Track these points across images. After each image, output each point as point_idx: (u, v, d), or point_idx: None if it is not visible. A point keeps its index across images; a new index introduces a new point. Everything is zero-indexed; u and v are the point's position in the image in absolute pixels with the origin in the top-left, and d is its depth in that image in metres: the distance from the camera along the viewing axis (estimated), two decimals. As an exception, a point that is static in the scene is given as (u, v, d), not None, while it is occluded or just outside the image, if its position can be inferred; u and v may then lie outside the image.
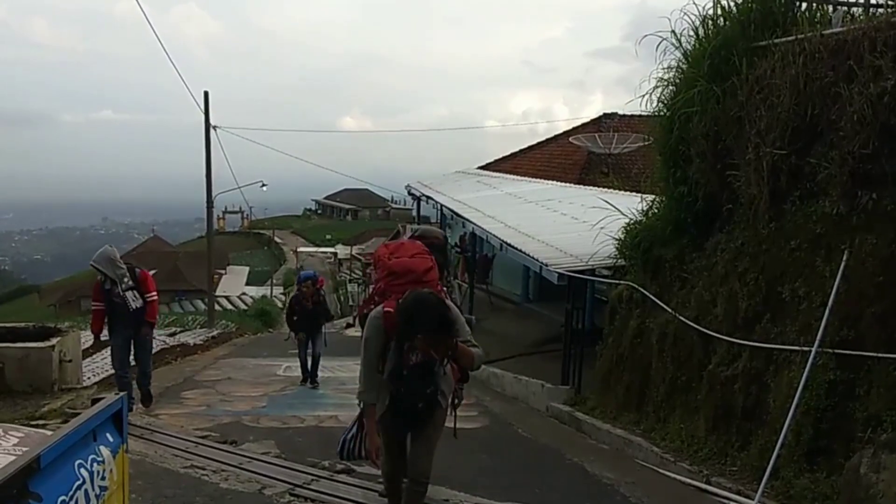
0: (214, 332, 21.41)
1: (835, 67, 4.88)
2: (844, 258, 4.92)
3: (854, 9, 5.64)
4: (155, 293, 8.11)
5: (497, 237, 11.43)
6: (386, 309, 3.68)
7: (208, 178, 22.89)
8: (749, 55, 5.75)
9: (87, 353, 11.97)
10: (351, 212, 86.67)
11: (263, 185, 29.55)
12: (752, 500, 4.83)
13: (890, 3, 5.05)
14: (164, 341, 16.54)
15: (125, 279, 7.67)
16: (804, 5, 5.88)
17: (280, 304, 35.90)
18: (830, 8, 5.81)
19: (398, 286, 3.86)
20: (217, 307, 27.66)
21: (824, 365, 4.94)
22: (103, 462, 3.06)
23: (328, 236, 66.90)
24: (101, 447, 3.11)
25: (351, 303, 46.34)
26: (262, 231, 72.16)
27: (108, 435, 3.24)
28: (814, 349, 4.95)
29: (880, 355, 4.57)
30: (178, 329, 21.26)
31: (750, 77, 5.70)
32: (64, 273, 64.01)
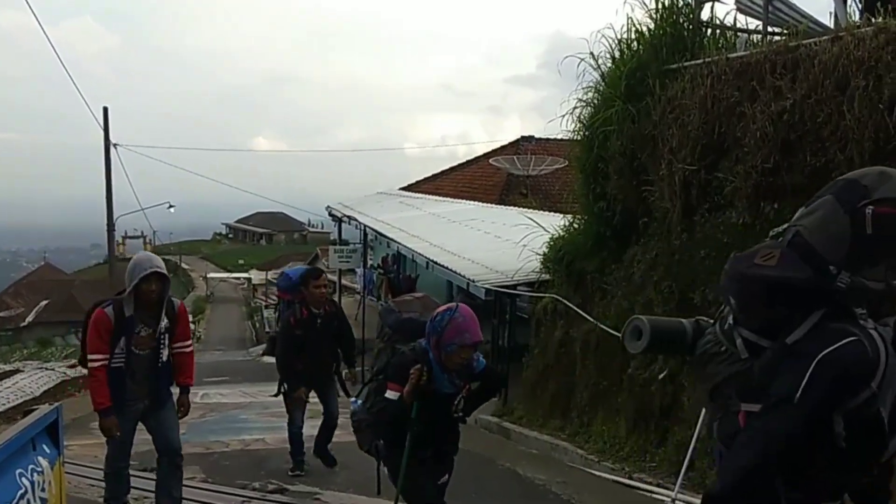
0: (121, 363, 20.35)
1: (739, 88, 5.36)
2: (749, 264, 5.35)
3: (754, 36, 6.21)
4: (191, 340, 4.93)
5: (423, 256, 11.57)
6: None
7: (108, 200, 21.86)
8: (661, 77, 6.20)
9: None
10: (265, 236, 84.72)
11: (170, 206, 28.59)
12: (671, 491, 5.12)
13: (785, 30, 5.61)
14: (64, 373, 15.61)
15: (162, 315, 4.41)
16: (710, 31, 6.42)
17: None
18: (735, 34, 6.37)
19: None
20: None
21: (734, 362, 5.32)
22: (42, 473, 3.00)
23: (241, 261, 65.08)
24: (40, 458, 3.05)
25: (267, 329, 44.98)
26: (167, 257, 69.14)
27: (44, 446, 3.18)
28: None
29: (784, 351, 4.99)
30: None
31: (662, 98, 6.15)
32: (-60, 310, 58.01)
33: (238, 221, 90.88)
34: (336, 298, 21.06)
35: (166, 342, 4.50)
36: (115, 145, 21.75)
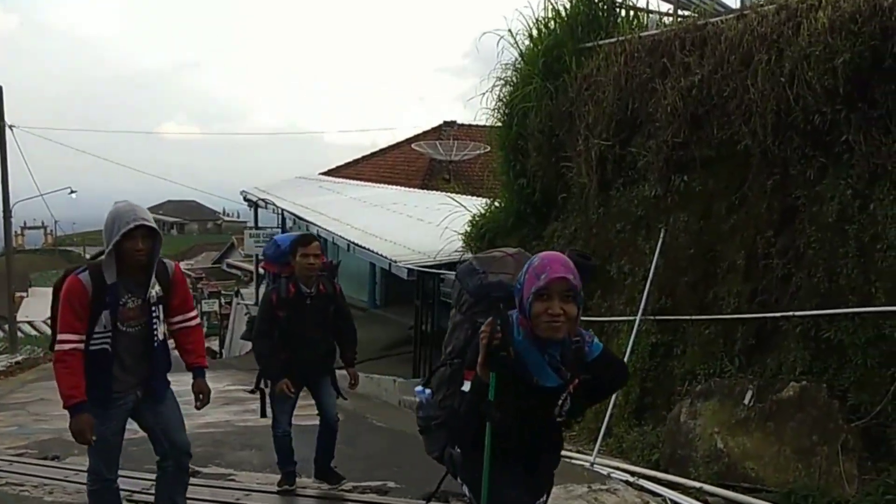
0: (19, 358, 19.51)
1: (651, 65, 5.53)
2: (662, 236, 5.56)
3: (666, 18, 6.43)
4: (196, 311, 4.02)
5: (344, 238, 11.44)
6: None
7: (4, 186, 20.56)
8: (578, 55, 6.34)
9: None
10: (176, 225, 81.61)
11: (72, 191, 27.16)
12: (590, 457, 5.27)
13: (696, 13, 5.82)
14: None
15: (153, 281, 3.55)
16: (624, 11, 6.60)
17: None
18: (647, 14, 6.59)
19: None
20: (19, 334, 24.85)
21: (647, 331, 5.53)
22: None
23: (150, 252, 62.20)
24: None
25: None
26: (69, 248, 65.69)
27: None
28: (638, 318, 5.54)
29: (692, 318, 5.23)
30: (-26, 358, 19.05)
31: (578, 75, 6.28)
32: None
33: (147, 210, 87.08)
34: (254, 288, 20.56)
35: (161, 315, 3.57)
36: (10, 127, 20.52)
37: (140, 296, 3.45)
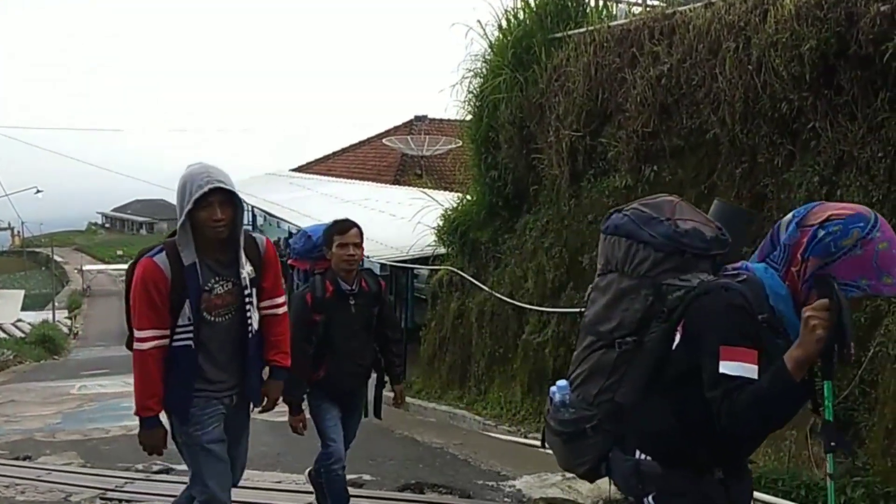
0: (-12, 360, 19.01)
1: (620, 55, 5.55)
2: (632, 225, 5.58)
3: (635, 7, 6.46)
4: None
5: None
6: None
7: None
8: (547, 46, 6.34)
9: None
10: (145, 224, 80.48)
11: (38, 191, 26.68)
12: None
13: (664, 2, 5.86)
14: None
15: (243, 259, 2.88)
16: (593, 1, 6.62)
17: (66, 329, 32.22)
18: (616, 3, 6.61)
19: None
20: (-12, 336, 24.27)
21: (619, 321, 5.55)
22: None
23: (119, 252, 61.44)
24: None
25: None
26: (37, 249, 64.62)
27: None
28: (610, 308, 5.55)
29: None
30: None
31: (548, 66, 6.28)
32: None
33: (115, 210, 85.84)
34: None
35: (255, 301, 2.88)
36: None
37: (229, 278, 2.82)
